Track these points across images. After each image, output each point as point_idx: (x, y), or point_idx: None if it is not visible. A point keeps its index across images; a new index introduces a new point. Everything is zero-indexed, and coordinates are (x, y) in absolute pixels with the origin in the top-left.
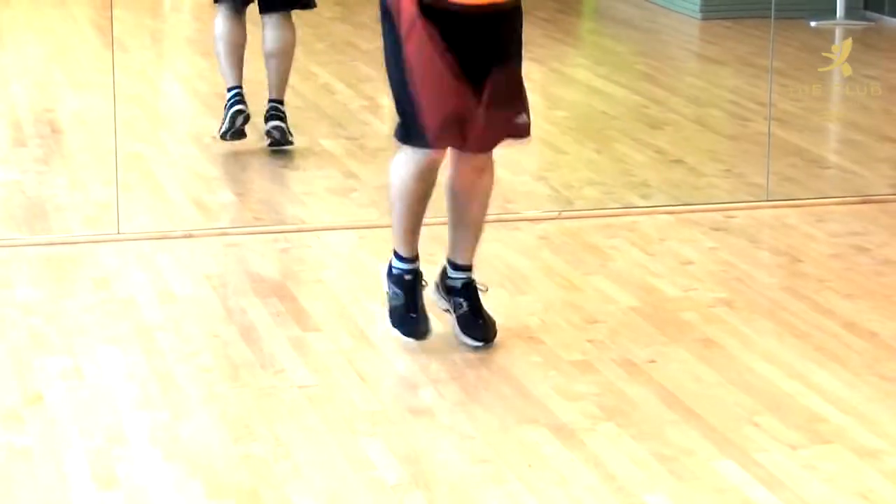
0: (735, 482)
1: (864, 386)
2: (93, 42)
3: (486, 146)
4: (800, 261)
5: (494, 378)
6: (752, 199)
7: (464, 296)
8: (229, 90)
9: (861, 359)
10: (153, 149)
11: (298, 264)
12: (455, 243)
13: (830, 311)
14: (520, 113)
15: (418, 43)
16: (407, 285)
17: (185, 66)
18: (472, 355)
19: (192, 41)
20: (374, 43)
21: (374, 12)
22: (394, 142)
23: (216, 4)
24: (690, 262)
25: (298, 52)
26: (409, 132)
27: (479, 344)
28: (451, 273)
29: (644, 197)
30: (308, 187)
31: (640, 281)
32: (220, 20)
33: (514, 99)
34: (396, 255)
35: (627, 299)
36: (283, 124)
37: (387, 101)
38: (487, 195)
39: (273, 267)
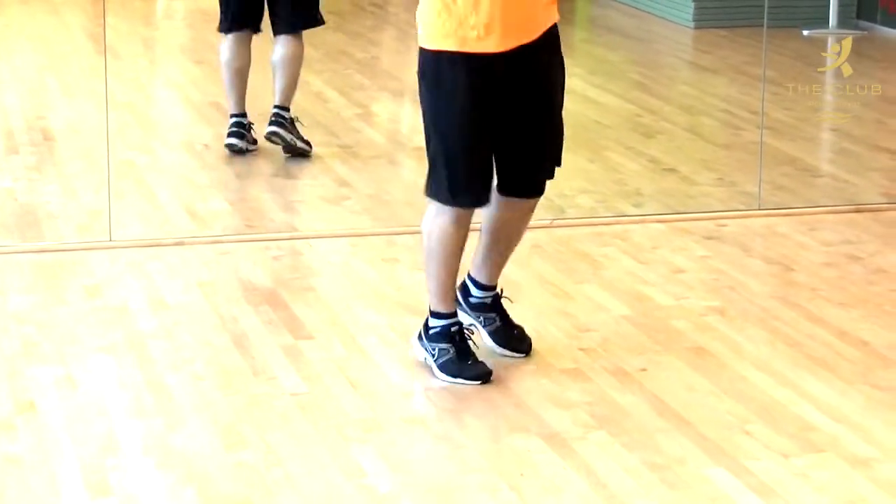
0: (727, 490)
1: (856, 395)
2: (85, 49)
3: (537, 190)
4: (792, 269)
5: (486, 386)
6: (744, 207)
7: (495, 310)
8: (231, 117)
9: (853, 367)
10: (145, 156)
11: (291, 272)
12: (484, 265)
13: (822, 319)
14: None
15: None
16: (454, 336)
17: (177, 74)
18: None
19: (185, 49)
20: (368, 52)
21: (368, 22)
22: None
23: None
24: (682, 271)
25: None
26: (448, 190)
27: (523, 356)
28: (477, 293)
29: (636, 206)
30: (300, 195)
31: (632, 289)
32: (225, 47)
33: (553, 146)
34: (434, 314)
35: (619, 308)
36: (280, 130)
37: (379, 110)
38: (525, 230)
39: (265, 275)
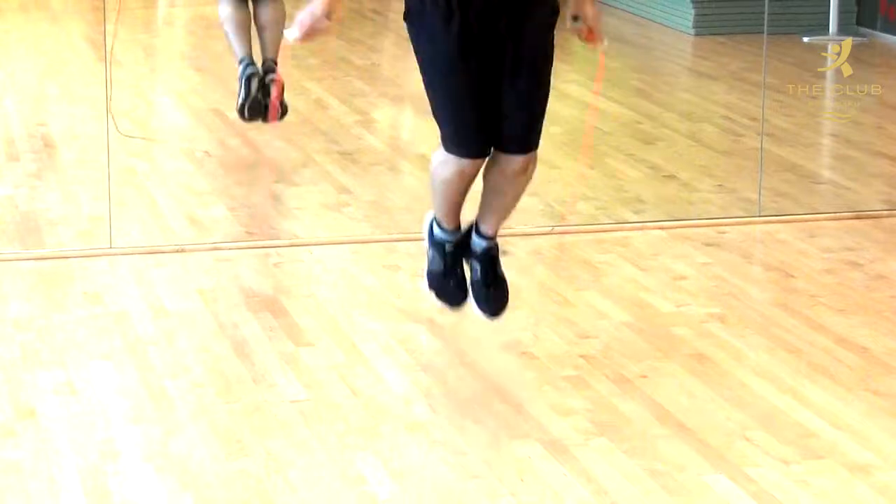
0: (727, 497)
1: (856, 401)
2: (86, 56)
3: (523, 148)
4: (792, 276)
5: (487, 393)
6: (744, 214)
7: (479, 260)
8: (240, 63)
9: (853, 374)
10: (146, 163)
11: (291, 279)
12: (483, 212)
13: (823, 326)
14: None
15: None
16: (450, 255)
17: (178, 81)
18: (464, 370)
19: (186, 56)
20: (368, 59)
21: (368, 28)
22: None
23: None
24: (683, 278)
25: (292, 68)
26: (444, 139)
27: (489, 319)
28: (474, 235)
29: (637, 212)
30: (301, 202)
31: (632, 296)
32: (221, 4)
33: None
34: (437, 223)
35: (620, 315)
36: (277, 77)
37: (379, 116)
38: (525, 187)
39: (266, 282)
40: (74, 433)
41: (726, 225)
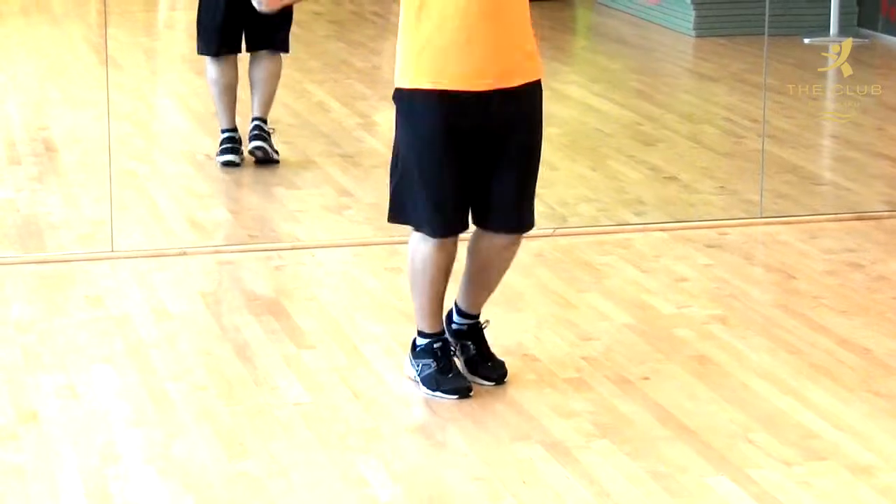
0: (729, 499)
1: (857, 402)
2: (87, 60)
3: (506, 229)
4: (794, 277)
5: (489, 395)
6: (745, 215)
7: (471, 339)
8: (222, 132)
9: (855, 375)
10: (147, 166)
11: (293, 282)
12: (466, 294)
13: (824, 327)
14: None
15: (418, 130)
16: (436, 353)
17: (178, 84)
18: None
19: (186, 59)
20: (369, 61)
21: (369, 31)
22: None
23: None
24: (684, 279)
25: (293, 70)
26: (409, 217)
27: (491, 384)
28: (457, 318)
29: (638, 214)
30: (302, 205)
31: (634, 298)
32: (210, 65)
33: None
34: (421, 334)
35: (622, 316)
36: (265, 144)
37: (380, 119)
38: (510, 263)
39: (267, 284)
40: (76, 436)
41: (728, 226)
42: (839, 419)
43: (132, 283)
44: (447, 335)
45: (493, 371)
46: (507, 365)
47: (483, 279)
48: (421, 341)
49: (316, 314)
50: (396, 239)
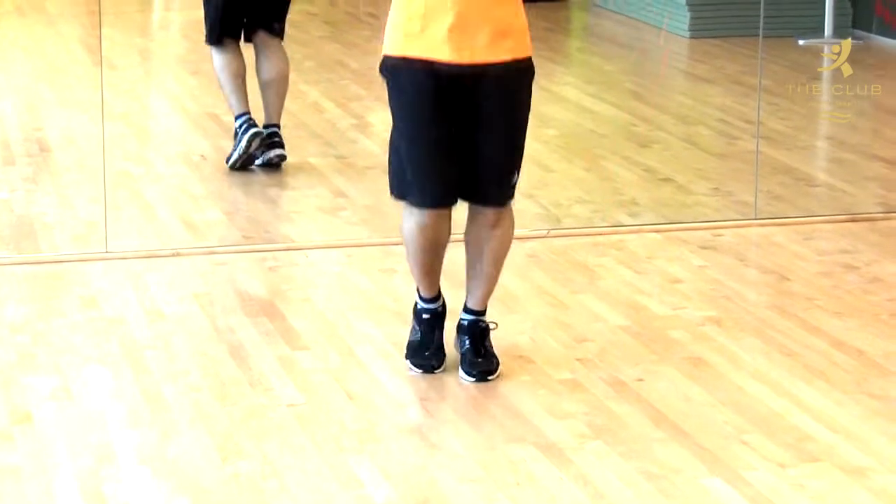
0: (724, 500)
1: (852, 404)
2: (81, 60)
3: (493, 202)
4: (788, 279)
5: (483, 396)
6: (740, 217)
7: (467, 333)
8: (238, 117)
9: (849, 377)
10: (141, 167)
11: (287, 283)
12: (468, 286)
13: (818, 329)
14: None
15: (403, 101)
16: (426, 324)
17: (173, 85)
18: (459, 374)
19: (181, 59)
20: (363, 62)
21: (364, 32)
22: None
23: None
24: (679, 281)
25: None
26: (403, 190)
27: (471, 379)
28: (462, 313)
29: (632, 215)
30: (297, 206)
31: (628, 299)
32: (216, 54)
33: (505, 165)
34: (417, 291)
35: (616, 318)
36: (284, 151)
37: (375, 120)
38: (501, 250)
39: (261, 285)
40: (71, 437)
41: (722, 228)
42: (833, 421)
43: (126, 283)
44: (442, 305)
45: (475, 368)
46: (501, 366)
47: (478, 268)
48: (418, 301)
49: (310, 315)
50: (390, 240)
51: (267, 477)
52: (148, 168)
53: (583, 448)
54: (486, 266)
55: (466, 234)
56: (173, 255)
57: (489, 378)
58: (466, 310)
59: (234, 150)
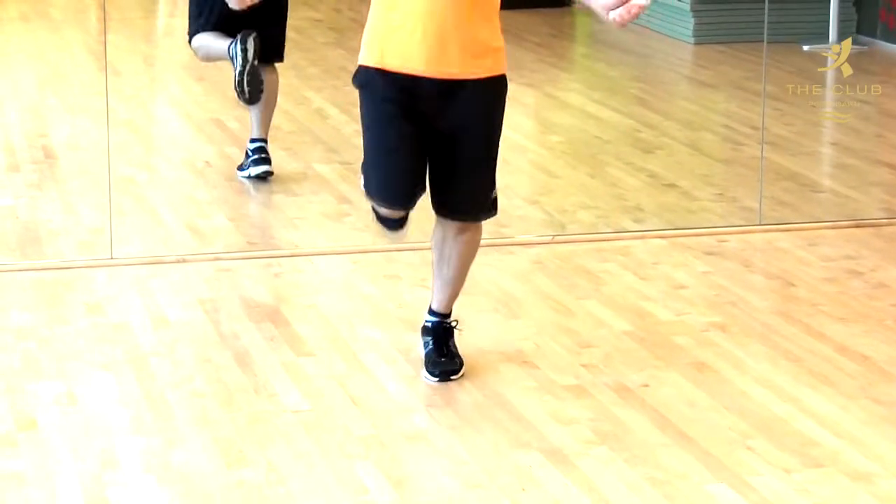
0: None
1: (857, 409)
2: (86, 67)
3: (456, 215)
4: (793, 285)
5: (488, 402)
6: (745, 223)
7: (431, 334)
8: (229, 47)
9: (854, 382)
10: (146, 173)
11: (292, 289)
12: (434, 289)
13: (823, 334)
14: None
15: (371, 109)
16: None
17: (178, 91)
18: (465, 380)
19: (186, 66)
20: None
21: None
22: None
23: None
24: (683, 287)
25: (292, 78)
26: (370, 190)
27: (434, 380)
28: (427, 314)
29: (637, 221)
30: (301, 212)
31: (633, 305)
32: (197, 38)
33: (478, 180)
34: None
35: (621, 324)
36: (271, 168)
37: None
38: (467, 255)
39: (266, 292)
40: (75, 444)
41: (727, 234)
42: (838, 426)
43: (131, 290)
44: (448, 323)
45: (437, 367)
46: (506, 372)
47: (444, 272)
48: (426, 315)
49: (315, 321)
50: (395, 246)
51: (272, 483)
52: (153, 174)
53: (588, 454)
54: (452, 270)
55: (434, 238)
56: (178, 262)
57: (452, 378)
58: (431, 312)
59: (235, 68)
